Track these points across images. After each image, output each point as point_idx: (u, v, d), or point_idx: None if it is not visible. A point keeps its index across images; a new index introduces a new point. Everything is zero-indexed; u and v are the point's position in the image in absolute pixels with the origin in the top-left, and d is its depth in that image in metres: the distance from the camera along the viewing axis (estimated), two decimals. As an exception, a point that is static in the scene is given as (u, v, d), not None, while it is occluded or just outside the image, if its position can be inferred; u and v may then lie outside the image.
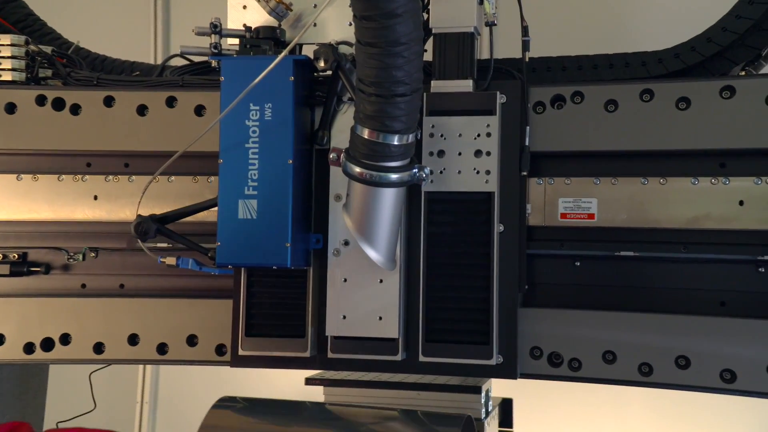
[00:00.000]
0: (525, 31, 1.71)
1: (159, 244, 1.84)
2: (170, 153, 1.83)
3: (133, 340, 1.89)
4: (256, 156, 1.65)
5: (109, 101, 1.93)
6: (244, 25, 1.74)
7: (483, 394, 1.98)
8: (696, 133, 1.66)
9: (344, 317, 1.72)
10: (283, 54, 1.57)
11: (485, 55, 1.73)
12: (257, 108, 1.63)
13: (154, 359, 1.90)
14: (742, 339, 1.63)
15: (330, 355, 1.73)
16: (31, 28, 2.20)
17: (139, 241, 1.73)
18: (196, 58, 1.99)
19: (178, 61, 2.20)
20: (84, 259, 1.96)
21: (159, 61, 3.16)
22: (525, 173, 1.70)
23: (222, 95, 1.65)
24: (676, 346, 1.66)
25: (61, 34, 2.25)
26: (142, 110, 1.91)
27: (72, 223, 1.97)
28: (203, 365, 1.87)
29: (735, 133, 1.64)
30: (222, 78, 1.66)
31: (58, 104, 1.93)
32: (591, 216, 1.72)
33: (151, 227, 1.69)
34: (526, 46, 1.72)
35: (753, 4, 1.77)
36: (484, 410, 2.04)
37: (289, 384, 1.92)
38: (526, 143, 1.68)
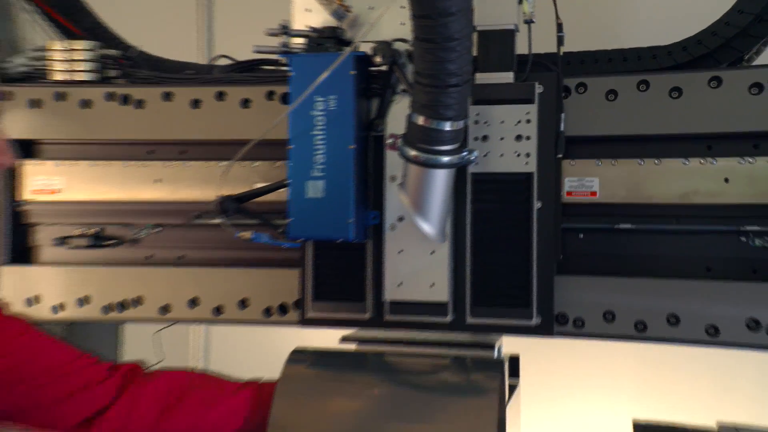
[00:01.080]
0: (560, 27, 1.74)
1: (212, 221, 1.92)
2: (221, 141, 1.97)
3: (193, 303, 1.98)
4: (322, 142, 1.70)
5: (167, 96, 1.99)
6: (308, 26, 1.76)
7: (496, 350, 2.06)
8: (687, 119, 1.72)
9: (400, 284, 1.77)
10: (347, 51, 1.63)
11: (523, 50, 1.77)
12: (322, 99, 1.68)
13: (211, 319, 1.99)
14: (725, 299, 1.70)
15: (387, 317, 1.79)
16: (99, 33, 2.27)
17: (221, 217, 1.76)
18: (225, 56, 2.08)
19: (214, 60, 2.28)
20: (150, 233, 2.05)
21: (201, 61, 3.26)
22: (560, 156, 1.74)
23: (290, 89, 1.70)
24: (667, 306, 1.72)
25: (125, 39, 2.30)
26: (196, 103, 1.98)
27: (139, 202, 2.06)
28: (267, 326, 1.97)
29: (722, 118, 1.71)
30: (291, 73, 1.70)
31: (125, 99, 2.01)
32: (593, 194, 1.80)
33: (231, 205, 1.74)
34: (560, 41, 1.74)
35: (742, 13, 1.85)
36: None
37: (323, 341, 2.03)
38: (561, 129, 1.72)
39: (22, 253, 2.14)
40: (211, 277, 2.01)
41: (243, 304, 1.97)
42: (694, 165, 1.74)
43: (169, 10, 3.72)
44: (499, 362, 1.81)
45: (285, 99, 1.92)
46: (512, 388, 2.33)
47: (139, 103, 2.02)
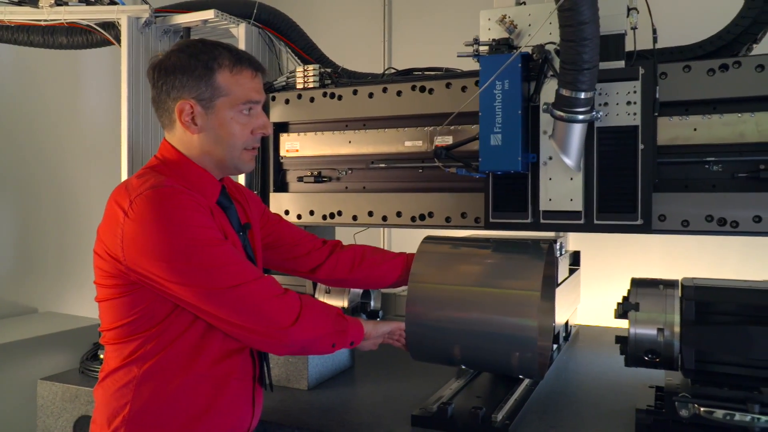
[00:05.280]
0: (654, 31, 2.01)
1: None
2: (384, 117, 2.54)
3: (370, 214, 2.57)
4: (500, 110, 2.02)
5: (355, 92, 2.58)
6: (490, 39, 2.10)
7: (558, 242, 2.47)
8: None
9: (550, 199, 2.09)
10: (517, 52, 1.98)
11: (630, 46, 2.05)
12: (500, 83, 2.01)
13: (384, 224, 2.53)
14: (693, 204, 2.03)
15: (541, 221, 2.11)
16: (322, 59, 2.97)
17: (436, 160, 2.17)
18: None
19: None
20: (346, 174, 2.67)
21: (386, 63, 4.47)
22: (656, 114, 1.99)
23: (481, 77, 2.03)
24: (659, 209, 2.05)
25: (331, 59, 2.99)
26: (371, 95, 2.56)
27: (340, 155, 2.68)
28: (456, 229, 2.43)
29: (694, 90, 2.00)
30: (481, 68, 2.03)
31: (332, 96, 2.63)
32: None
33: (442, 152, 2.15)
34: (655, 41, 2.02)
35: (743, 18, 2.09)
36: (558, 250, 2.55)
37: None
38: (657, 96, 1.97)
39: (281, 186, 2.84)
40: (381, 198, 2.56)
41: (398, 215, 2.50)
42: (675, 120, 2.06)
43: (364, 34, 4.84)
44: (547, 241, 2.10)
45: (422, 89, 2.45)
46: (572, 271, 2.93)
47: (339, 98, 2.61)
